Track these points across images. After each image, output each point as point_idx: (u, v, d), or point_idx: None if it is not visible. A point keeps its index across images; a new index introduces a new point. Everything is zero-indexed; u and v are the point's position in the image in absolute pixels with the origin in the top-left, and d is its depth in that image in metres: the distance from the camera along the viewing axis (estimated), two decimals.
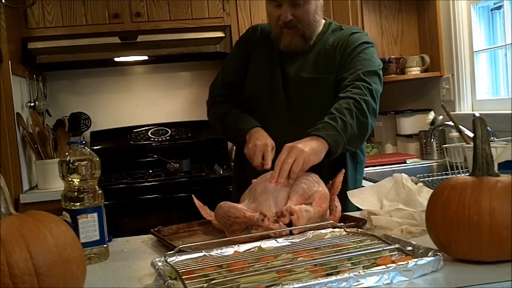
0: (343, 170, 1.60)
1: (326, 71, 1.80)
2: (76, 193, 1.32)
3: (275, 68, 1.85)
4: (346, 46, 1.80)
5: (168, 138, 3.52)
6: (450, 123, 2.17)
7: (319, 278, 0.94)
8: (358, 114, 1.62)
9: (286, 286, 0.90)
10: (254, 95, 1.88)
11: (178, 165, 3.16)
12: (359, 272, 0.95)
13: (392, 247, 1.10)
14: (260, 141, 1.68)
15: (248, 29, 2.00)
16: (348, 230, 1.29)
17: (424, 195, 1.39)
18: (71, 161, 1.32)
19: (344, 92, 1.68)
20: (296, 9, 1.75)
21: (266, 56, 1.88)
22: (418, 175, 2.27)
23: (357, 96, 1.64)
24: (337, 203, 1.51)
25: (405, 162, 2.85)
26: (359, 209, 1.52)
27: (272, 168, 1.54)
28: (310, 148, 1.51)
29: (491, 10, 2.69)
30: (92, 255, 1.32)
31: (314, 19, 1.80)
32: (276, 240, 1.25)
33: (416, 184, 1.47)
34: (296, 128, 1.72)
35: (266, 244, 1.23)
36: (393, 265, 0.98)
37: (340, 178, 1.57)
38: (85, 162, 1.33)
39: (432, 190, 1.18)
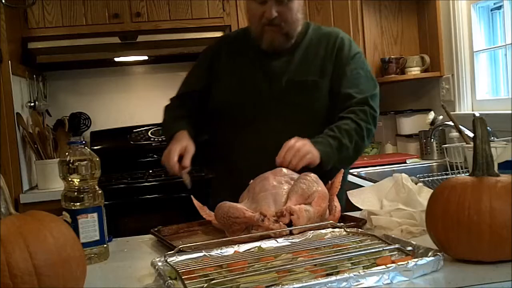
0: (342, 170, 1.61)
1: (319, 74, 1.79)
2: (76, 193, 1.33)
3: (257, 71, 1.81)
4: (339, 52, 1.80)
5: None
6: (450, 123, 2.17)
7: (319, 278, 0.94)
8: (358, 140, 1.69)
9: (286, 286, 0.90)
10: (231, 102, 1.82)
11: None
12: (359, 272, 0.95)
13: (392, 247, 1.10)
14: (169, 147, 1.70)
15: (217, 40, 1.99)
16: (348, 230, 1.29)
17: (424, 195, 1.39)
18: (71, 161, 1.32)
19: (350, 113, 1.72)
20: (280, 7, 1.72)
21: (243, 60, 1.85)
22: (418, 175, 2.27)
23: (362, 122, 1.71)
24: (336, 203, 1.51)
25: (405, 162, 2.84)
26: (359, 209, 1.51)
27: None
28: (314, 151, 1.59)
29: (491, 10, 2.69)
30: (92, 255, 1.32)
31: (297, 18, 1.79)
32: (276, 240, 1.25)
33: (416, 184, 1.47)
34: (286, 130, 1.72)
35: (266, 244, 1.23)
36: (393, 265, 0.98)
37: (339, 178, 1.57)
38: (85, 162, 1.33)
39: (432, 190, 1.18)
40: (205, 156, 1.83)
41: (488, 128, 1.24)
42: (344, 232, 1.29)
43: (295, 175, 1.51)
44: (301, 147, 1.57)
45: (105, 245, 1.36)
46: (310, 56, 1.82)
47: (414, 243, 1.10)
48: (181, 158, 1.68)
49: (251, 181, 1.55)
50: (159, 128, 3.51)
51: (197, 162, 1.79)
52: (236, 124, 1.81)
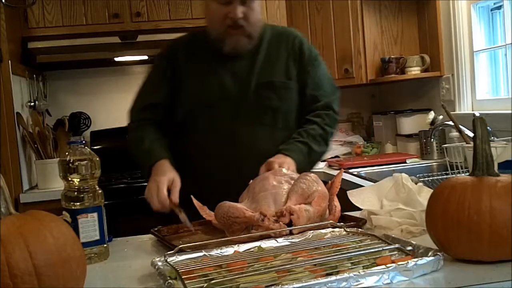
0: (342, 170, 1.63)
1: (286, 76, 1.80)
2: (76, 193, 1.33)
3: (222, 75, 1.79)
4: (301, 53, 1.83)
5: None
6: (450, 123, 2.17)
7: (319, 278, 0.94)
8: (323, 145, 1.79)
9: (286, 286, 0.90)
10: (200, 109, 1.78)
11: None
12: (359, 272, 0.95)
13: (392, 247, 1.10)
14: (153, 181, 1.59)
15: (168, 45, 1.91)
16: (348, 230, 1.29)
17: (424, 195, 1.39)
18: (71, 161, 1.32)
19: (316, 116, 1.80)
20: (243, 7, 1.70)
21: (205, 64, 1.80)
22: (418, 175, 2.27)
23: (327, 127, 1.80)
24: (336, 203, 1.51)
25: (405, 162, 2.84)
26: (359, 209, 1.52)
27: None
28: (290, 163, 1.64)
29: (491, 10, 2.69)
30: (92, 255, 1.32)
31: (258, 18, 1.77)
32: (276, 240, 1.25)
33: (416, 184, 1.47)
34: (258, 132, 1.76)
35: (266, 244, 1.23)
36: (393, 265, 0.98)
37: (339, 178, 1.57)
38: (85, 162, 1.33)
39: (432, 190, 1.18)
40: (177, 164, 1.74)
41: (488, 128, 1.24)
42: (344, 232, 1.29)
43: (295, 175, 1.51)
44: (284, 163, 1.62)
45: (105, 245, 1.36)
46: (273, 57, 1.82)
47: (414, 243, 1.10)
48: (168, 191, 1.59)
49: (251, 181, 1.55)
50: None
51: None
52: (207, 130, 1.77)
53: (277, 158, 1.64)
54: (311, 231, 1.30)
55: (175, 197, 1.56)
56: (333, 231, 1.31)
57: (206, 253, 1.18)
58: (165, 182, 1.57)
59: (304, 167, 1.68)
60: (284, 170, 1.55)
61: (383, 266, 0.97)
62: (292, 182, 1.47)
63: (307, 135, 1.75)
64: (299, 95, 1.83)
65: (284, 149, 1.69)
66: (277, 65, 1.81)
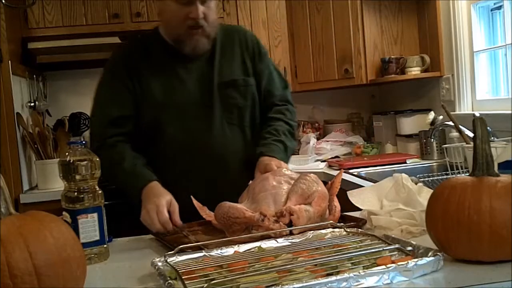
0: (342, 171, 1.63)
1: (244, 73, 1.82)
2: (76, 193, 1.33)
3: (184, 77, 1.76)
4: (254, 50, 1.85)
5: None
6: (450, 123, 2.17)
7: (319, 278, 0.94)
8: (291, 138, 1.81)
9: (286, 286, 0.90)
10: (167, 113, 1.73)
11: None
12: (359, 272, 0.95)
13: (392, 247, 1.10)
14: (151, 203, 1.53)
15: (121, 52, 1.84)
16: (348, 230, 1.29)
17: (424, 195, 1.39)
18: (71, 161, 1.32)
19: (277, 113, 1.84)
20: (203, 7, 1.68)
21: (164, 68, 1.76)
22: (418, 175, 2.27)
23: (291, 121, 1.85)
24: (336, 203, 1.51)
25: (405, 162, 2.84)
26: (359, 209, 1.52)
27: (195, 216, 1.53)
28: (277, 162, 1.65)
29: (491, 10, 2.69)
30: (92, 255, 1.32)
31: (215, 18, 1.76)
32: (276, 240, 1.26)
33: (416, 184, 1.47)
34: (228, 131, 1.77)
35: (266, 244, 1.23)
36: (393, 265, 0.98)
37: (339, 178, 1.57)
38: (85, 162, 1.33)
39: (432, 190, 1.18)
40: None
41: (488, 128, 1.24)
42: (344, 232, 1.29)
43: (295, 175, 1.52)
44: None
45: (105, 245, 1.36)
46: (229, 55, 1.82)
47: (414, 243, 1.10)
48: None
49: (250, 181, 1.55)
50: None
51: None
52: (176, 135, 1.73)
53: (270, 160, 1.65)
54: (311, 232, 1.30)
55: (178, 218, 1.51)
56: (333, 231, 1.31)
57: (206, 253, 1.18)
58: (165, 204, 1.52)
59: (285, 162, 1.70)
60: (284, 171, 1.55)
61: (383, 266, 0.97)
62: (292, 182, 1.47)
63: (278, 133, 1.77)
64: (257, 91, 1.85)
65: (266, 151, 1.69)
66: (235, 63, 1.82)
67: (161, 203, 1.52)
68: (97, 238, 1.33)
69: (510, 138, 1.78)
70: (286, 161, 1.73)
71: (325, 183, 1.53)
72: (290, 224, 1.34)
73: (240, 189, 1.57)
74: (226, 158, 1.75)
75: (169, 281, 0.98)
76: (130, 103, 1.75)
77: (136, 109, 1.75)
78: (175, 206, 1.53)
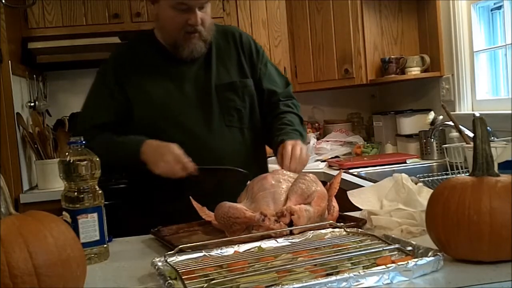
0: (341, 171, 1.64)
1: (241, 75, 1.82)
2: (76, 193, 1.33)
3: (181, 81, 1.76)
4: (249, 50, 1.85)
5: None
6: (450, 123, 2.17)
7: (319, 278, 0.94)
8: (304, 130, 1.82)
9: (286, 286, 0.90)
10: (164, 117, 1.73)
11: None
12: (359, 272, 0.95)
13: (392, 247, 1.10)
14: (167, 153, 1.58)
15: (108, 59, 1.83)
16: (348, 230, 1.29)
17: (424, 195, 1.39)
18: (71, 161, 1.32)
19: (286, 106, 1.84)
20: (200, 12, 1.69)
21: (157, 72, 1.76)
22: (418, 175, 2.27)
23: (298, 113, 1.85)
24: (335, 203, 1.52)
25: (405, 162, 2.84)
26: (359, 209, 1.52)
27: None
28: (301, 144, 1.65)
29: (491, 10, 2.69)
30: (92, 255, 1.32)
31: (212, 22, 1.77)
32: (276, 240, 1.25)
33: (416, 184, 1.47)
34: (226, 134, 1.77)
35: (266, 244, 1.23)
36: (393, 265, 0.98)
37: (338, 179, 1.57)
38: (85, 162, 1.33)
39: (432, 190, 1.18)
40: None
41: (488, 128, 1.24)
42: (344, 232, 1.29)
43: (293, 174, 1.52)
44: (301, 152, 1.62)
45: (105, 245, 1.36)
46: (225, 57, 1.82)
47: (414, 243, 1.10)
48: None
49: (249, 181, 1.55)
50: None
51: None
52: (174, 138, 1.69)
53: (296, 142, 1.65)
54: (311, 231, 1.30)
55: (191, 167, 1.59)
56: (333, 231, 1.31)
57: (206, 253, 1.18)
58: (178, 149, 1.59)
59: None
60: (282, 170, 1.56)
61: (383, 266, 0.97)
62: (291, 181, 1.47)
63: (293, 123, 1.77)
64: (256, 91, 1.85)
65: (287, 138, 1.67)
66: (232, 65, 1.82)
67: (174, 148, 1.59)
68: (97, 238, 1.33)
69: (510, 138, 1.78)
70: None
71: (324, 183, 1.53)
72: (290, 224, 1.34)
73: (240, 190, 1.57)
74: (226, 161, 1.74)
75: (169, 281, 0.98)
76: (115, 110, 1.75)
77: (126, 115, 1.74)
78: (185, 158, 1.59)
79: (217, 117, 1.77)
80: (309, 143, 3.27)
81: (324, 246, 1.18)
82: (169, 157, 1.58)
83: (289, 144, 1.61)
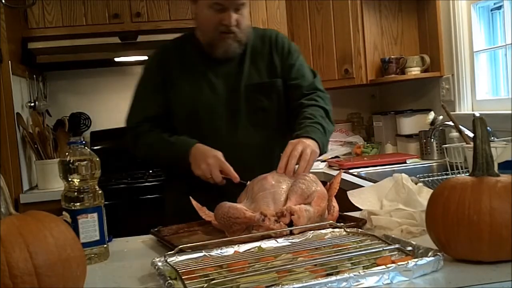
0: (341, 171, 1.63)
1: (271, 75, 1.83)
2: (76, 193, 1.33)
3: (213, 79, 1.81)
4: (282, 49, 1.86)
5: None
6: (450, 123, 2.17)
7: (319, 278, 0.94)
8: (328, 121, 1.76)
9: (286, 286, 0.90)
10: (195, 113, 1.80)
11: None
12: (359, 272, 0.95)
13: (392, 247, 1.10)
14: (210, 157, 1.65)
15: (158, 52, 1.90)
16: (348, 230, 1.29)
17: (424, 195, 1.39)
18: (71, 161, 1.32)
19: (309, 100, 1.79)
20: (237, 15, 1.74)
21: (195, 69, 1.82)
22: (418, 175, 2.27)
23: (324, 105, 1.79)
24: (335, 203, 1.52)
25: (405, 162, 2.84)
26: (359, 209, 1.52)
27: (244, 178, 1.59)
28: (312, 143, 1.61)
29: (491, 10, 2.69)
30: (92, 255, 1.32)
31: (248, 24, 1.82)
32: (276, 240, 1.25)
33: (416, 184, 1.47)
34: (253, 135, 1.79)
35: (266, 244, 1.23)
36: (393, 265, 0.98)
37: (338, 179, 1.57)
38: (85, 162, 1.33)
39: (432, 190, 1.18)
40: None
41: (488, 128, 1.24)
42: (344, 232, 1.29)
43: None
44: (302, 150, 1.56)
45: (105, 245, 1.36)
46: (258, 58, 1.85)
47: (414, 243, 1.10)
48: None
49: (249, 182, 1.55)
50: None
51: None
52: (203, 135, 1.76)
53: (299, 140, 1.61)
54: (311, 232, 1.30)
55: (234, 175, 1.63)
56: (333, 231, 1.31)
57: (206, 254, 1.18)
58: (222, 157, 1.64)
59: (325, 145, 1.69)
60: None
61: (383, 266, 0.97)
62: (291, 181, 1.47)
63: (315, 116, 1.73)
64: (284, 89, 1.85)
65: (302, 133, 1.65)
66: (264, 65, 1.84)
67: (218, 155, 1.65)
68: (97, 238, 1.33)
69: (510, 138, 1.78)
70: (325, 142, 1.69)
71: (324, 183, 1.54)
72: (290, 224, 1.34)
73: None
74: (251, 161, 1.74)
75: (169, 281, 0.98)
76: (162, 103, 1.82)
77: (166, 108, 1.82)
78: (227, 164, 1.64)
79: (244, 117, 1.80)
80: None
81: (324, 246, 1.18)
82: (211, 161, 1.63)
83: (289, 144, 1.59)
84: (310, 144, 1.59)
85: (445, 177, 2.22)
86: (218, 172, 1.63)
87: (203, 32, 1.81)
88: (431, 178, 2.26)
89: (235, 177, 1.62)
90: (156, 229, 1.53)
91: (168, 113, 1.83)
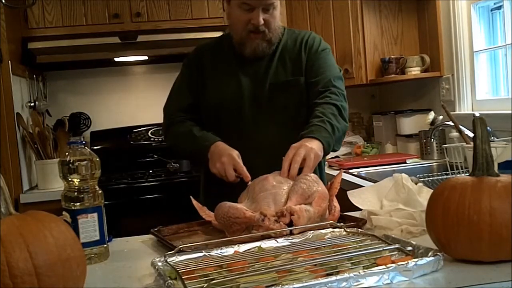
0: (342, 171, 1.63)
1: (296, 73, 1.84)
2: (76, 193, 1.33)
3: (240, 77, 1.85)
4: (310, 48, 1.87)
5: None
6: (450, 123, 2.17)
7: (319, 278, 0.94)
8: (340, 118, 1.75)
9: (286, 286, 0.90)
10: (221, 109, 1.85)
11: (178, 165, 3.16)
12: (359, 272, 0.95)
13: (392, 247, 1.10)
14: (225, 156, 1.67)
15: (195, 50, 1.98)
16: (348, 230, 1.29)
17: (424, 195, 1.39)
18: (71, 161, 1.32)
19: (322, 98, 1.78)
20: (265, 15, 1.77)
21: (226, 66, 1.88)
22: (418, 175, 2.27)
23: (336, 102, 1.77)
24: (336, 203, 1.52)
25: (405, 162, 2.84)
26: (359, 209, 1.52)
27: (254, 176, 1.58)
28: (316, 145, 1.60)
29: (491, 10, 2.69)
30: (92, 255, 1.32)
31: (278, 25, 1.85)
32: (276, 240, 1.25)
33: (416, 184, 1.47)
34: (273, 132, 1.80)
35: (266, 244, 1.23)
36: (393, 265, 0.98)
37: (338, 178, 1.57)
38: (85, 162, 1.33)
39: (432, 190, 1.18)
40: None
41: (488, 128, 1.24)
42: (344, 232, 1.29)
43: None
44: (305, 155, 1.55)
45: (105, 245, 1.36)
46: (286, 56, 1.87)
47: (414, 243, 1.10)
48: None
49: (249, 182, 1.55)
50: (159, 128, 3.51)
51: None
52: (226, 129, 1.82)
53: (302, 141, 1.60)
54: (311, 231, 1.30)
55: (246, 174, 1.63)
56: (333, 231, 1.31)
57: (206, 253, 1.18)
58: (237, 156, 1.66)
59: (331, 144, 1.68)
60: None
61: (383, 266, 0.97)
62: (292, 182, 1.47)
63: (324, 115, 1.72)
64: (306, 88, 1.85)
65: (307, 133, 1.65)
66: (291, 64, 1.85)
67: (234, 155, 1.66)
68: (97, 238, 1.33)
69: (510, 138, 1.78)
70: (331, 141, 1.67)
71: (325, 183, 1.53)
72: (290, 224, 1.34)
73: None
74: (273, 160, 1.70)
75: (169, 281, 0.98)
76: (196, 94, 1.89)
77: (198, 101, 1.89)
78: (240, 164, 1.65)
79: (266, 115, 1.82)
80: None
81: (324, 246, 1.18)
82: (226, 160, 1.65)
83: (291, 148, 1.58)
84: (313, 148, 1.58)
85: (445, 177, 2.22)
86: (232, 171, 1.64)
87: (234, 31, 1.85)
88: (431, 178, 2.26)
89: (247, 176, 1.61)
90: (156, 229, 1.53)
91: (199, 108, 1.89)
